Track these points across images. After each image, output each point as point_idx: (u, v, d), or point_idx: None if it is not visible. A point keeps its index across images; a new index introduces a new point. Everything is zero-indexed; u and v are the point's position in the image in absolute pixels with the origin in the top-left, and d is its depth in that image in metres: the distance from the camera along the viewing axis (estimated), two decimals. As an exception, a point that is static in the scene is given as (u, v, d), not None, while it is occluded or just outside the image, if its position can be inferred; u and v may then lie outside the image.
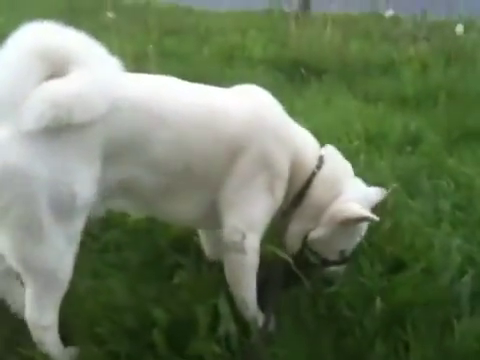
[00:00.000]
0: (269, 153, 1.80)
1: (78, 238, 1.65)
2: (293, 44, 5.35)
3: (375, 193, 1.99)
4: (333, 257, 1.95)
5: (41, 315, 1.66)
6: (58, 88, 1.51)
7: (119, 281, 1.93)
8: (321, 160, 1.93)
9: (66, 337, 1.74)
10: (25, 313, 1.67)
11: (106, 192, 1.68)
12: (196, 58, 4.92)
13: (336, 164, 1.96)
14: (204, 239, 2.17)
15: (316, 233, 1.91)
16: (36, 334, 1.68)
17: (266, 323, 1.77)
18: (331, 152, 1.99)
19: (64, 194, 1.55)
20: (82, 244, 2.12)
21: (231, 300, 1.83)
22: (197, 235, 2.18)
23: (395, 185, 1.94)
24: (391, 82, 4.48)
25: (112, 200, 1.76)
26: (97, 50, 1.61)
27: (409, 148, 3.19)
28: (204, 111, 1.77)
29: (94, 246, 2.18)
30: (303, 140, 1.94)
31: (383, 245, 2.08)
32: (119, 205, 1.83)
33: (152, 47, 4.41)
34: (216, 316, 1.75)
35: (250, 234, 1.79)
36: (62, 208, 1.55)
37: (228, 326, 1.73)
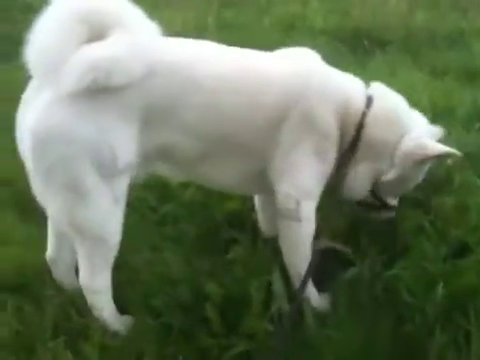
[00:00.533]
0: (313, 116, 1.76)
1: (123, 199, 1.67)
2: (356, 14, 5.14)
3: (437, 130, 1.92)
4: (394, 201, 1.95)
5: (93, 278, 1.69)
6: (97, 52, 1.53)
7: (175, 254, 1.94)
8: (370, 99, 1.85)
9: (122, 307, 1.77)
10: (79, 277, 1.71)
11: (146, 155, 1.69)
12: (256, 29, 4.81)
13: (386, 100, 1.89)
14: (260, 214, 2.14)
15: (391, 174, 1.86)
16: (90, 298, 1.71)
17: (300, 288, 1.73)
18: (379, 89, 1.92)
19: (106, 154, 1.58)
20: (141, 216, 2.19)
21: (285, 277, 1.81)
22: (254, 210, 2.15)
23: (459, 154, 1.82)
24: (459, 54, 4.23)
25: (153, 164, 1.78)
26: (136, 15, 1.63)
27: (478, 124, 3.01)
28: (242, 76, 1.74)
29: (152, 218, 2.20)
30: (350, 87, 1.87)
31: (447, 226, 1.97)
32: (161, 169, 1.85)
33: (211, 19, 4.36)
34: (270, 293, 1.73)
35: (304, 201, 1.76)
36: (105, 168, 1.59)
37: (282, 304, 1.71)
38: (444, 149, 1.82)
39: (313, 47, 4.06)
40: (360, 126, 1.82)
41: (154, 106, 1.64)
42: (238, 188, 1.97)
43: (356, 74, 3.57)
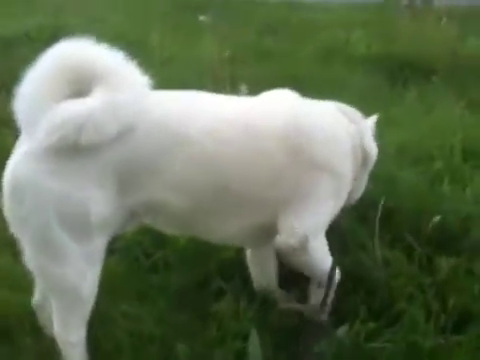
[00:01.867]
0: (323, 159, 1.72)
1: (100, 256, 1.62)
2: (402, 41, 4.93)
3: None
4: None
5: (67, 332, 1.65)
6: (69, 108, 1.49)
7: (154, 306, 1.88)
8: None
9: (95, 358, 1.73)
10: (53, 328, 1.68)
11: (133, 212, 1.64)
12: (294, 57, 4.73)
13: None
14: (252, 268, 2.04)
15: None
16: (64, 350, 1.68)
17: None
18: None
19: (77, 211, 1.53)
20: (134, 261, 2.15)
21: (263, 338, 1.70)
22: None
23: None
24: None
25: (143, 218, 1.73)
26: (125, 69, 1.57)
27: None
28: (234, 127, 1.67)
29: (144, 264, 2.15)
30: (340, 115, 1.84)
31: (448, 291, 1.80)
32: (153, 223, 1.80)
33: (249, 47, 4.32)
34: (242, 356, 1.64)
35: (313, 239, 1.73)
36: (76, 225, 1.54)
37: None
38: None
39: (350, 77, 3.91)
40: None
41: (135, 163, 1.58)
42: (240, 241, 1.91)
43: (390, 108, 3.45)
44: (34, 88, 1.51)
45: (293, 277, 1.98)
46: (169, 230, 1.88)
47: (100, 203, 1.54)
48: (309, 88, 3.95)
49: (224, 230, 1.77)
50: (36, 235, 1.56)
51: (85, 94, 1.53)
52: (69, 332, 1.65)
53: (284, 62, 4.59)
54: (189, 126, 1.62)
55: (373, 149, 1.90)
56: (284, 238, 1.70)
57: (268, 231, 1.76)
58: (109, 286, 1.71)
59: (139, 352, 1.68)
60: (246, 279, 2.04)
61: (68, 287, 1.60)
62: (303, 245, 1.69)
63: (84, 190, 1.53)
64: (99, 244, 1.60)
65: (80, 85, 1.53)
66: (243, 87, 2.77)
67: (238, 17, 5.67)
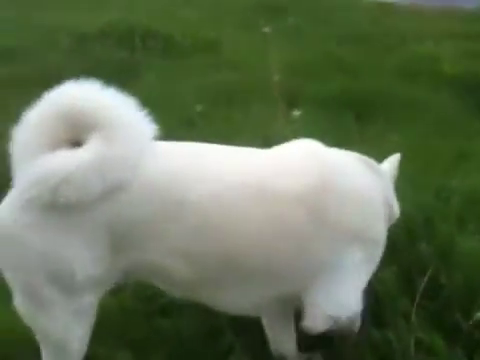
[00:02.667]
0: (355, 225, 1.51)
1: (90, 311, 1.50)
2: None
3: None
4: None
5: None
6: (54, 161, 1.35)
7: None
8: None
9: None
10: None
11: (130, 272, 1.50)
12: (374, 72, 4.35)
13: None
14: (269, 332, 1.81)
15: None
16: None
17: None
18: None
19: (61, 269, 1.42)
20: (140, 302, 1.99)
21: None
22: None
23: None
24: None
25: (146, 279, 1.60)
26: (128, 119, 1.42)
27: None
28: (242, 189, 1.45)
29: (151, 307, 1.98)
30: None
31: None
32: (157, 285, 1.63)
33: (323, 57, 4.02)
34: None
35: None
36: (61, 282, 1.43)
37: None
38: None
39: (434, 99, 3.45)
40: None
41: (130, 224, 1.42)
42: (253, 313, 1.72)
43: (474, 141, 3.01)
44: (28, 133, 1.40)
45: (315, 340, 1.74)
46: (174, 294, 1.68)
47: (87, 262, 1.42)
48: (383, 108, 3.65)
49: (233, 303, 1.58)
50: (23, 285, 1.46)
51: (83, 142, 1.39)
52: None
53: (361, 77, 4.24)
54: (190, 188, 1.42)
55: (395, 204, 1.69)
56: (310, 323, 1.53)
57: (288, 302, 1.59)
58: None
59: None
60: (261, 335, 1.81)
61: (54, 339, 1.50)
62: (335, 326, 1.52)
63: (68, 248, 1.41)
64: (89, 300, 1.47)
65: (73, 133, 1.40)
66: (296, 112, 2.52)
67: (320, 21, 5.34)
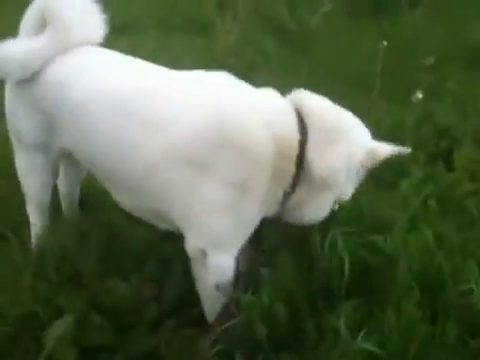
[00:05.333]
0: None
1: (42, 170, 1.94)
2: None
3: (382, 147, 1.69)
4: None
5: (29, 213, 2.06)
6: (9, 47, 1.79)
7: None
8: (303, 123, 1.58)
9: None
10: None
11: (66, 151, 1.87)
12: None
13: (323, 119, 1.59)
14: None
15: (350, 189, 1.70)
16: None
17: None
18: (308, 104, 1.61)
19: (16, 131, 1.92)
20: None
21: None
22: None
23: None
24: None
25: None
26: (72, 15, 1.77)
27: None
28: (129, 94, 1.62)
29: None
30: (276, 113, 1.59)
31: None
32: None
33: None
34: None
35: (212, 252, 1.58)
36: (19, 140, 1.93)
37: None
38: (393, 149, 1.67)
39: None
40: (300, 160, 1.56)
41: (46, 109, 1.79)
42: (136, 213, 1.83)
43: None
44: (22, 26, 1.86)
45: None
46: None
47: (29, 130, 1.86)
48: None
49: (120, 200, 1.78)
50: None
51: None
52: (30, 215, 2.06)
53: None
54: (79, 86, 1.69)
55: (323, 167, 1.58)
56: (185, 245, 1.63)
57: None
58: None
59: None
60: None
61: (20, 176, 2.00)
62: (198, 256, 1.60)
63: (17, 116, 1.88)
64: (40, 160, 1.92)
65: (42, 25, 1.78)
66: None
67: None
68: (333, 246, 1.69)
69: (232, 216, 1.53)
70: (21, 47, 1.80)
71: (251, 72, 3.51)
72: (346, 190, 1.70)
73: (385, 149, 1.67)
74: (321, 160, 1.56)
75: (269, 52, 3.74)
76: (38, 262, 1.92)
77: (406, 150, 1.70)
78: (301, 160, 1.55)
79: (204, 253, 1.58)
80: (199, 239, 1.58)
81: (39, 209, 2.06)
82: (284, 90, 1.70)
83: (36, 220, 2.08)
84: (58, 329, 1.67)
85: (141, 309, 1.79)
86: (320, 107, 1.62)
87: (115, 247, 2.01)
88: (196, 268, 1.63)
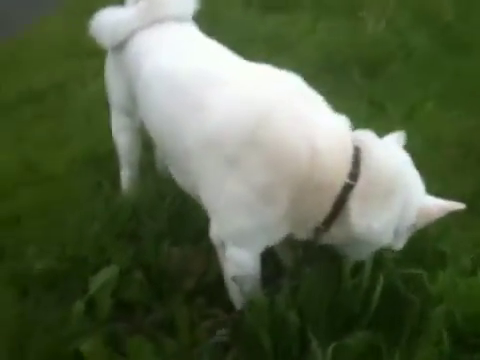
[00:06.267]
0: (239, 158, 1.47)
1: (128, 132, 2.16)
2: None
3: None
4: None
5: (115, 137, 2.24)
6: (106, 15, 2.01)
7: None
8: (356, 161, 1.44)
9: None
10: None
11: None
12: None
13: (380, 172, 1.44)
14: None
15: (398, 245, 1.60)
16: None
17: None
18: (371, 149, 1.46)
19: (111, 92, 2.13)
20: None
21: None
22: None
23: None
24: None
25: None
26: None
27: None
28: (185, 76, 1.65)
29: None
30: (330, 141, 1.45)
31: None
32: None
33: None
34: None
35: (232, 249, 1.59)
36: (111, 102, 2.17)
37: None
38: (447, 207, 1.52)
39: None
40: (341, 204, 1.45)
41: (128, 75, 1.94)
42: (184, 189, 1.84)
43: None
44: None
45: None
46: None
47: (119, 93, 2.05)
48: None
49: (173, 174, 1.83)
50: None
51: None
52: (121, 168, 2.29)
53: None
54: (149, 61, 1.78)
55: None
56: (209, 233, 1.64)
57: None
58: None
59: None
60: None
61: (113, 133, 2.22)
62: (219, 245, 1.62)
63: (113, 79, 2.08)
64: (124, 121, 2.13)
65: None
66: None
67: None
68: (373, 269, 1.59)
69: (252, 218, 1.49)
70: (113, 16, 1.98)
71: (386, 65, 3.33)
72: (395, 244, 1.56)
73: (438, 209, 1.52)
74: (362, 217, 1.44)
75: (415, 46, 3.46)
76: (110, 212, 2.11)
77: (461, 205, 1.52)
78: (342, 203, 1.45)
79: (223, 244, 1.59)
80: (220, 230, 1.59)
81: (128, 164, 2.26)
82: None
83: (126, 174, 2.28)
84: (102, 277, 1.85)
85: (183, 278, 1.89)
86: (383, 156, 1.48)
87: (183, 215, 2.12)
88: (220, 257, 1.66)
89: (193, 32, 1.90)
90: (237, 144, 1.45)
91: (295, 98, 1.49)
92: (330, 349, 1.40)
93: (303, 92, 1.54)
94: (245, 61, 1.70)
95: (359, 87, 3.13)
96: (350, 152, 1.45)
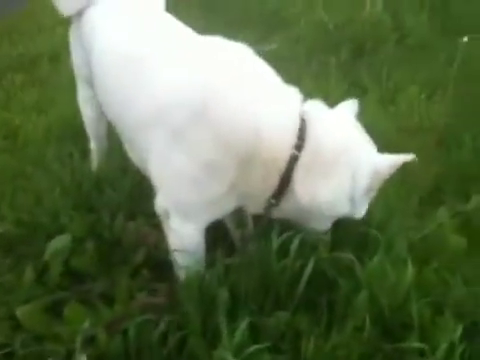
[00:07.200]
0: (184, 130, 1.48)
1: (93, 104, 2.13)
2: None
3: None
4: None
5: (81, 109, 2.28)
6: None
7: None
8: (302, 134, 1.45)
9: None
10: None
11: None
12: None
13: (324, 146, 1.46)
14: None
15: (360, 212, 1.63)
16: None
17: None
18: (317, 121, 1.48)
19: (73, 61, 2.18)
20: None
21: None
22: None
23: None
24: None
25: None
26: None
27: None
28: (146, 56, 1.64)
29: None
30: (276, 113, 1.46)
31: None
32: None
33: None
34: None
35: (175, 220, 1.60)
36: (76, 72, 2.19)
37: None
38: (396, 161, 1.51)
39: None
40: (287, 177, 1.46)
41: (84, 44, 1.98)
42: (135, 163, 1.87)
43: None
44: None
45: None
46: None
47: (79, 62, 2.10)
48: None
49: (125, 147, 1.85)
50: None
51: None
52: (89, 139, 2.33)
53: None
54: (95, 40, 1.83)
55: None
56: (155, 204, 1.65)
57: None
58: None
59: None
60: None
61: (79, 105, 2.26)
62: (164, 217, 1.62)
63: (73, 48, 2.13)
64: (88, 93, 2.13)
65: None
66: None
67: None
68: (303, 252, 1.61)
69: (196, 191, 1.51)
70: None
71: (378, 47, 3.29)
72: (355, 212, 1.57)
73: (388, 165, 1.51)
74: (307, 187, 1.46)
75: (410, 30, 3.39)
76: (75, 183, 2.17)
77: (410, 157, 1.51)
78: (289, 176, 1.46)
79: (168, 216, 1.61)
80: (165, 201, 1.60)
81: (95, 137, 2.30)
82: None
83: (93, 145, 2.33)
84: (55, 244, 1.91)
85: (134, 252, 1.94)
86: (326, 126, 1.49)
87: (143, 190, 2.16)
88: (164, 229, 1.68)
89: (151, 5, 1.91)
90: (184, 118, 1.46)
91: (243, 72, 1.50)
92: (243, 325, 1.42)
93: (253, 65, 1.55)
94: (196, 34, 1.71)
95: (346, 68, 3.10)
96: (296, 125, 1.46)
